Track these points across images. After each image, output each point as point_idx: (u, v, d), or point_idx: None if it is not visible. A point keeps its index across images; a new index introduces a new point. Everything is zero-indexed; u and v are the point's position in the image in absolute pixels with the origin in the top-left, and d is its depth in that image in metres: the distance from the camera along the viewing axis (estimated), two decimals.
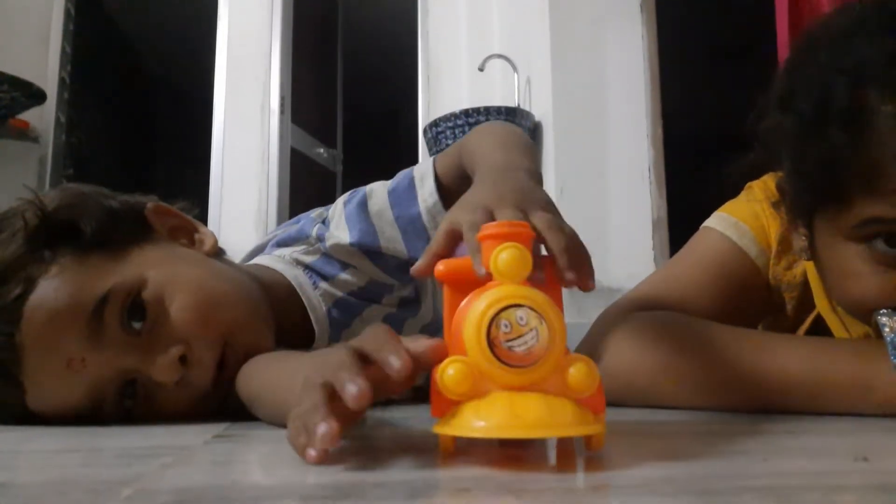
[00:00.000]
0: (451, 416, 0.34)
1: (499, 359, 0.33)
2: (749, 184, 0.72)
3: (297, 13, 3.25)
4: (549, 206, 0.46)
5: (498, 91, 2.78)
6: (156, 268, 0.60)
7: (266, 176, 3.06)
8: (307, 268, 0.74)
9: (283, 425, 0.38)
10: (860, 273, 0.51)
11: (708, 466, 0.34)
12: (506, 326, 0.33)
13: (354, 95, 4.21)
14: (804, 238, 0.58)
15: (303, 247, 0.75)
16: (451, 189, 0.68)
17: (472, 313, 0.34)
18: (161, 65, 5.02)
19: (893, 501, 0.29)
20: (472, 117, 2.39)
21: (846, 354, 0.54)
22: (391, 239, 0.70)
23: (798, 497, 0.28)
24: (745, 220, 0.70)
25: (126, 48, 4.56)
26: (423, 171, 0.70)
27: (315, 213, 0.77)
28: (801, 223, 0.58)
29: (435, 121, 2.50)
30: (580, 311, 1.97)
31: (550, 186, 2.18)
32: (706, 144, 2.29)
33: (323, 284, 0.73)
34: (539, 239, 0.41)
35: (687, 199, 1.71)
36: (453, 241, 0.44)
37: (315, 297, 0.73)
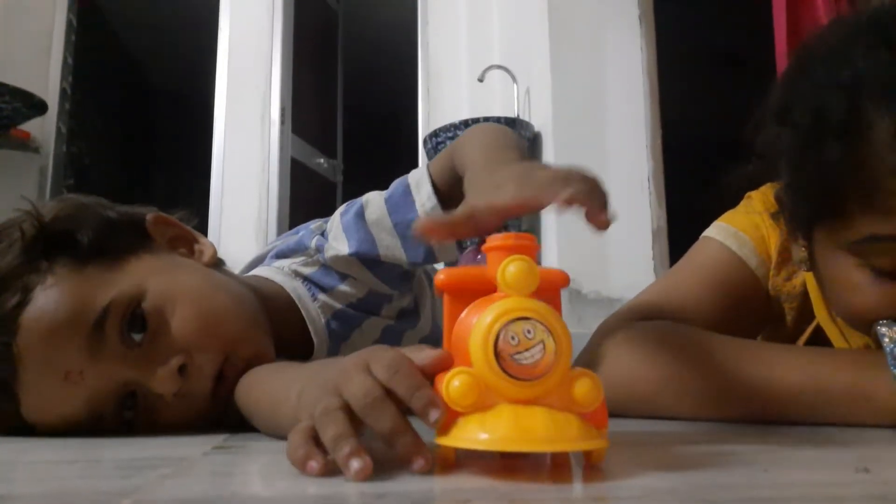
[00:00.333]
0: (454, 428, 0.34)
1: (505, 371, 0.33)
2: (748, 194, 0.72)
3: (297, 23, 3.27)
4: (549, 170, 0.47)
5: (498, 101, 2.79)
6: (155, 278, 0.60)
7: (266, 186, 3.07)
8: (306, 279, 0.74)
9: (280, 437, 0.38)
10: (859, 284, 0.51)
11: (708, 477, 0.34)
12: (513, 339, 0.33)
13: (355, 106, 4.22)
14: (803, 249, 0.58)
15: (302, 258, 0.75)
16: (446, 193, 0.69)
17: (479, 325, 0.34)
18: (162, 75, 5.04)
19: None
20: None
21: (846, 364, 0.54)
22: (390, 247, 0.70)
23: None
24: (744, 230, 0.70)
25: (127, 59, 4.59)
26: (419, 178, 0.71)
27: (314, 224, 0.77)
28: (800, 234, 0.58)
29: (435, 131, 2.51)
30: (580, 321, 1.97)
31: None
32: (706, 154, 2.29)
33: (322, 296, 0.73)
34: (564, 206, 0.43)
35: (686, 208, 1.71)
36: (470, 223, 0.45)
37: (314, 308, 0.73)
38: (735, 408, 0.56)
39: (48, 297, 0.56)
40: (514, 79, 2.65)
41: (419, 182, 0.70)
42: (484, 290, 0.38)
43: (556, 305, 0.39)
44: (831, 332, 0.66)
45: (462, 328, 0.37)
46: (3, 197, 2.64)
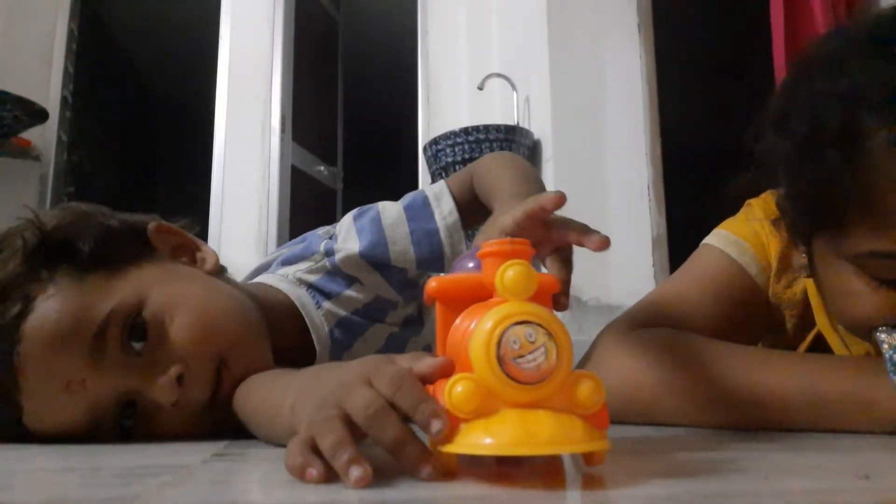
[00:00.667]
0: (458, 435, 0.34)
1: (508, 375, 0.33)
2: (748, 201, 0.72)
3: (297, 32, 3.28)
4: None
5: (497, 109, 2.80)
6: (155, 288, 0.60)
7: (267, 194, 3.07)
8: (311, 287, 0.74)
9: (277, 444, 0.38)
10: (859, 292, 0.51)
11: (709, 484, 0.34)
12: (514, 343, 0.33)
13: (355, 114, 4.23)
14: (804, 256, 0.58)
15: (307, 264, 0.75)
16: (464, 209, 0.74)
17: (479, 330, 0.34)
18: (163, 84, 5.05)
19: None
20: (471, 135, 2.40)
21: (846, 371, 0.54)
22: (402, 252, 0.71)
23: None
24: (744, 237, 0.70)
25: (128, 68, 4.60)
26: (438, 192, 0.74)
27: (322, 230, 0.78)
28: (800, 242, 0.58)
29: (435, 139, 2.51)
30: (580, 329, 1.97)
31: None
32: (705, 161, 2.30)
33: (326, 304, 0.73)
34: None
35: (686, 216, 1.72)
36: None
37: (318, 316, 0.73)
38: (735, 414, 0.56)
39: (49, 307, 0.56)
40: (513, 87, 2.66)
41: (439, 196, 0.74)
42: (477, 297, 0.38)
43: (547, 306, 0.40)
44: (832, 339, 0.66)
45: (458, 334, 0.37)
46: (4, 205, 2.64)
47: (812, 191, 0.51)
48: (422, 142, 2.90)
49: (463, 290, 0.39)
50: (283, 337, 0.68)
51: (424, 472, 0.34)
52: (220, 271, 0.70)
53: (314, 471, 0.34)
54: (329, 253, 0.73)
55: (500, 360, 0.33)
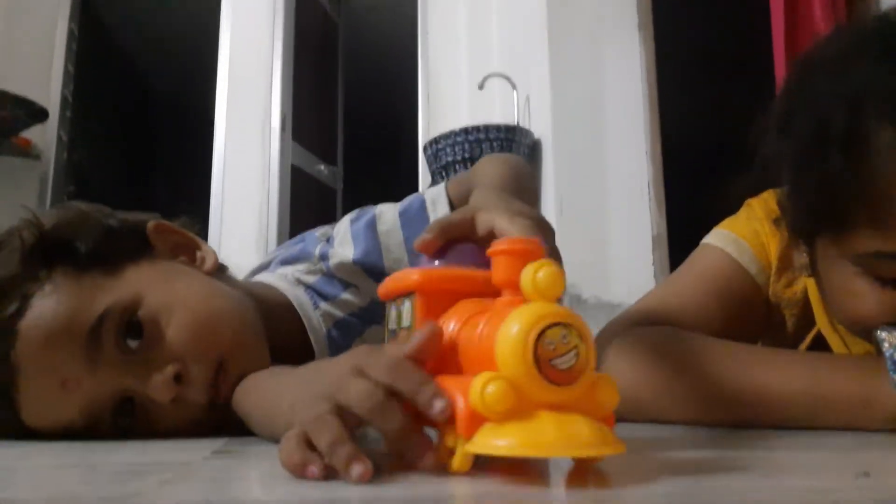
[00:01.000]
0: (487, 435, 0.33)
1: (545, 377, 0.33)
2: (749, 201, 0.72)
3: (297, 32, 3.28)
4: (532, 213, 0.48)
5: (497, 109, 2.80)
6: (152, 286, 0.60)
7: (267, 193, 3.07)
8: (308, 288, 0.74)
9: (277, 441, 0.37)
10: (860, 291, 0.51)
11: (709, 482, 0.34)
12: (550, 345, 0.33)
13: (355, 113, 4.23)
14: (805, 255, 0.58)
15: (305, 266, 0.75)
16: None
17: (508, 330, 0.34)
18: (163, 83, 5.05)
19: None
20: (471, 135, 2.40)
21: (846, 370, 0.54)
22: (397, 260, 0.70)
23: None
24: (744, 237, 0.70)
25: (128, 67, 4.60)
26: (435, 196, 0.72)
27: (319, 231, 0.78)
28: (801, 241, 0.58)
29: (435, 138, 2.51)
30: None
31: (550, 204, 2.19)
32: (705, 160, 2.30)
33: (324, 305, 0.73)
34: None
35: (686, 214, 1.72)
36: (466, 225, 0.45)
37: (315, 317, 0.73)
38: (735, 413, 0.56)
39: (45, 305, 0.57)
40: (513, 86, 2.66)
41: (435, 201, 0.72)
42: (464, 291, 0.38)
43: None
44: (832, 338, 0.66)
45: (468, 334, 0.37)
46: (4, 204, 2.64)
47: (816, 191, 0.51)
48: (422, 141, 2.89)
49: (449, 284, 0.38)
50: (281, 337, 0.68)
51: (427, 461, 0.34)
52: (219, 270, 0.70)
53: (315, 469, 0.34)
54: (324, 257, 0.73)
55: (537, 360, 0.33)
